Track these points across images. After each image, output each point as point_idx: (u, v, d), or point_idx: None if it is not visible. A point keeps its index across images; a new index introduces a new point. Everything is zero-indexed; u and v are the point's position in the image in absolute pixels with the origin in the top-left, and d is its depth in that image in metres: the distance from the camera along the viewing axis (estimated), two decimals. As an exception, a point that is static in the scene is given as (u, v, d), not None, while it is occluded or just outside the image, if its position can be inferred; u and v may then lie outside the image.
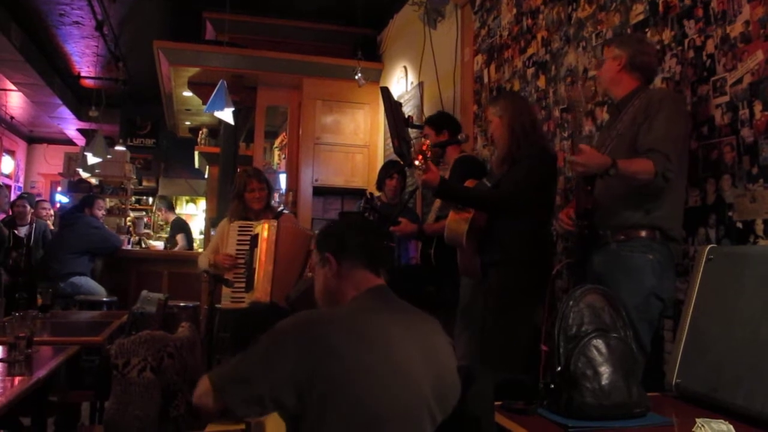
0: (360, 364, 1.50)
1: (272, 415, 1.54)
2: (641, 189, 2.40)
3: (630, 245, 2.47)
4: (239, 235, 3.77)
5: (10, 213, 7.08)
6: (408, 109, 6.02)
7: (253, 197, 3.82)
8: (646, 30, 3.07)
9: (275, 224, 3.68)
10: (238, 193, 3.88)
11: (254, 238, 3.71)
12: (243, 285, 3.70)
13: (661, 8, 2.99)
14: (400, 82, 6.59)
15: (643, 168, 2.33)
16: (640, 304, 2.40)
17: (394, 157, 4.85)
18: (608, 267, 2.52)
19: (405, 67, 6.50)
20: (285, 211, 4.52)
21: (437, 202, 3.96)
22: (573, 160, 2.36)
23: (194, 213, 13.21)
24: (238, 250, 3.74)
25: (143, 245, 9.38)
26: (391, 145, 5.00)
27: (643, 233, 2.46)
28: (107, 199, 9.12)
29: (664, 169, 2.31)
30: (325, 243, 1.83)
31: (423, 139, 3.87)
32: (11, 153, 13.57)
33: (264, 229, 3.67)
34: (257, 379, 1.49)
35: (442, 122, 4.11)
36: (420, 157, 2.97)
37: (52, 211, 8.05)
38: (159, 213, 9.36)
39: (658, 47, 2.93)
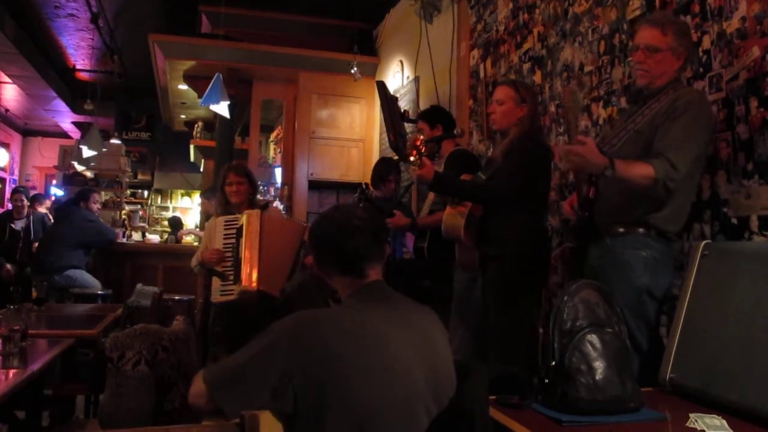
0: (355, 363, 1.50)
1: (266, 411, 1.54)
2: (641, 194, 2.31)
3: (622, 240, 2.40)
4: (225, 229, 3.77)
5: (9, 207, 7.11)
6: (404, 104, 6.02)
7: (231, 191, 3.86)
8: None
9: (258, 213, 3.68)
10: (220, 187, 3.93)
11: (239, 230, 3.71)
12: (232, 277, 3.70)
13: (657, 4, 2.99)
14: (396, 77, 6.58)
15: (643, 173, 2.22)
16: (632, 302, 2.32)
17: (389, 151, 4.85)
18: (601, 262, 2.46)
19: (401, 62, 6.49)
20: (274, 204, 4.51)
21: (431, 196, 3.96)
22: (570, 150, 2.25)
23: (189, 206, 13.28)
24: (225, 243, 3.74)
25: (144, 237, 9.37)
26: (386, 139, 4.99)
27: (640, 229, 2.38)
28: (102, 193, 9.10)
29: (666, 177, 2.20)
30: (311, 251, 1.84)
31: (416, 134, 3.85)
32: (6, 146, 13.53)
33: (247, 220, 3.66)
34: (252, 379, 1.49)
35: (436, 116, 4.09)
36: (414, 152, 2.97)
37: (48, 203, 8.03)
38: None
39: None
